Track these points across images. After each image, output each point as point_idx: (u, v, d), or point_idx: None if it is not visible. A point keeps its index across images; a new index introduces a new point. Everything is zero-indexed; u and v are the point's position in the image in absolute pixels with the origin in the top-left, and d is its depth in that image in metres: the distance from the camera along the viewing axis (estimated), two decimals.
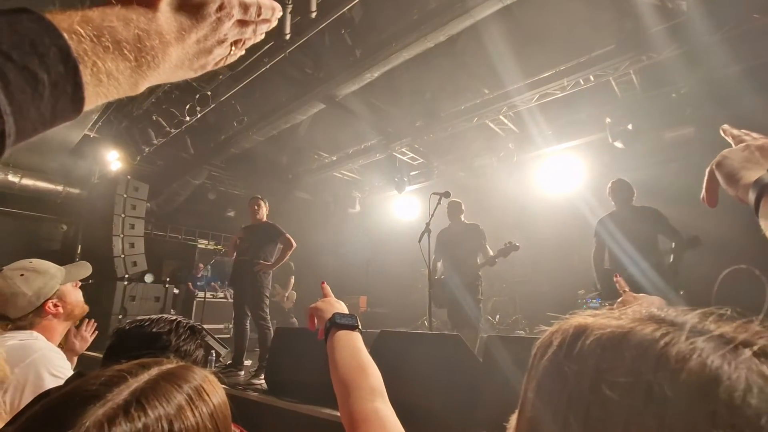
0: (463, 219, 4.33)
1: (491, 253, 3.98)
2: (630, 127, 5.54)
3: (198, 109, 5.63)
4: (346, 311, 0.91)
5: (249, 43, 0.49)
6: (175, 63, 0.40)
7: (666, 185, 5.18)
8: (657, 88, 5.42)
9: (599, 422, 0.26)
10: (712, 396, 0.23)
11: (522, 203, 7.12)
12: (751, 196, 0.49)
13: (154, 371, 0.49)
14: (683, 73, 4.81)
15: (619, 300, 0.95)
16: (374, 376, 0.73)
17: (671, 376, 0.24)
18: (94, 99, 0.34)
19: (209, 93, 5.52)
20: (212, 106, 5.71)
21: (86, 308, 1.53)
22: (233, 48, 0.46)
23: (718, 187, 0.58)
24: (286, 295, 7.63)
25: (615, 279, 1.19)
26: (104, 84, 0.34)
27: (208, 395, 0.50)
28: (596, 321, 0.30)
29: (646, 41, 4.44)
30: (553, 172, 6.79)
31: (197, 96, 5.50)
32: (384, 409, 0.66)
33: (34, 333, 1.33)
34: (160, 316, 1.01)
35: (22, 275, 1.33)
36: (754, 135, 0.60)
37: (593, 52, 4.89)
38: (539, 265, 6.83)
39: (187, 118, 5.75)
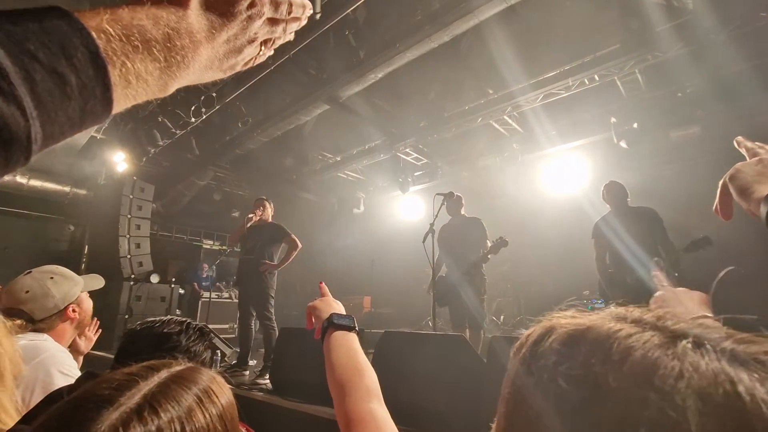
0: (463, 213, 4.25)
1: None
2: (635, 125, 5.50)
3: (203, 110, 5.67)
4: (344, 311, 0.91)
5: (279, 43, 0.47)
6: (205, 63, 0.39)
7: (672, 185, 5.15)
8: (663, 87, 5.38)
9: (557, 413, 0.27)
10: (647, 383, 0.24)
11: (526, 203, 7.10)
12: (763, 210, 0.49)
13: (164, 374, 0.50)
14: (689, 72, 4.78)
15: (656, 294, 0.93)
16: (370, 377, 0.74)
17: (616, 367, 0.26)
18: (122, 101, 0.33)
19: (214, 94, 5.56)
20: (217, 107, 5.74)
21: (92, 319, 1.59)
22: (263, 48, 0.45)
23: (731, 199, 0.58)
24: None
25: (654, 273, 1.15)
26: (133, 86, 0.33)
27: (216, 396, 0.51)
28: (561, 320, 0.32)
29: (652, 40, 4.41)
30: (558, 173, 6.77)
31: (202, 97, 5.54)
32: (379, 409, 0.67)
33: (44, 335, 1.36)
34: (170, 317, 1.03)
35: (51, 278, 1.39)
36: None
37: (598, 51, 4.87)
38: (544, 265, 6.81)
39: (193, 120, 5.79)
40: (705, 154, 5.45)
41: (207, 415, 0.48)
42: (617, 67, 4.87)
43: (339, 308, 0.93)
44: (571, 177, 6.62)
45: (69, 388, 0.88)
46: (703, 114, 5.27)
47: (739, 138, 0.65)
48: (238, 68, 0.44)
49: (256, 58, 0.45)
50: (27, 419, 0.78)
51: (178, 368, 0.53)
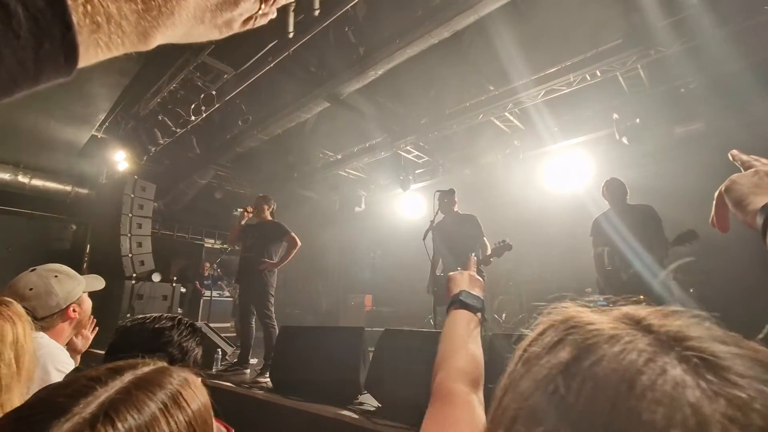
0: (456, 210, 4.16)
1: (489, 246, 3.84)
2: (638, 121, 5.46)
3: (203, 108, 5.67)
4: (480, 291, 0.89)
5: (281, 1, 0.41)
6: (194, 13, 0.32)
7: (676, 182, 5.10)
8: (665, 83, 5.33)
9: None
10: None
11: (529, 201, 7.07)
12: (759, 221, 0.49)
13: (127, 377, 0.46)
14: (692, 67, 4.73)
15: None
16: (468, 360, 0.72)
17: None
18: (93, 50, 0.27)
19: (214, 92, 5.55)
20: (217, 105, 5.74)
21: (90, 319, 1.59)
22: (263, 5, 0.39)
23: (728, 211, 0.58)
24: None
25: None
26: (104, 30, 0.27)
27: (185, 401, 0.47)
28: (581, 324, 0.31)
29: (654, 35, 4.37)
30: (560, 169, 6.73)
31: (202, 95, 5.53)
32: (464, 391, 0.65)
33: (39, 333, 1.35)
34: (161, 314, 1.02)
35: (56, 276, 1.39)
36: (764, 160, 0.60)
37: (600, 46, 4.82)
38: (546, 263, 6.78)
39: (193, 118, 5.79)
40: (709, 150, 5.40)
41: (173, 423, 0.44)
42: (619, 62, 4.82)
43: (475, 286, 0.90)
44: (574, 174, 6.58)
45: (57, 385, 0.87)
46: (707, 110, 5.22)
47: (734, 152, 0.64)
48: (235, 27, 0.38)
49: (255, 19, 0.39)
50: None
51: (144, 370, 0.49)
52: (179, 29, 0.32)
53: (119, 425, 0.40)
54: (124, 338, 0.94)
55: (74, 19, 0.24)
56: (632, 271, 3.20)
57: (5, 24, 0.22)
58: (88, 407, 0.41)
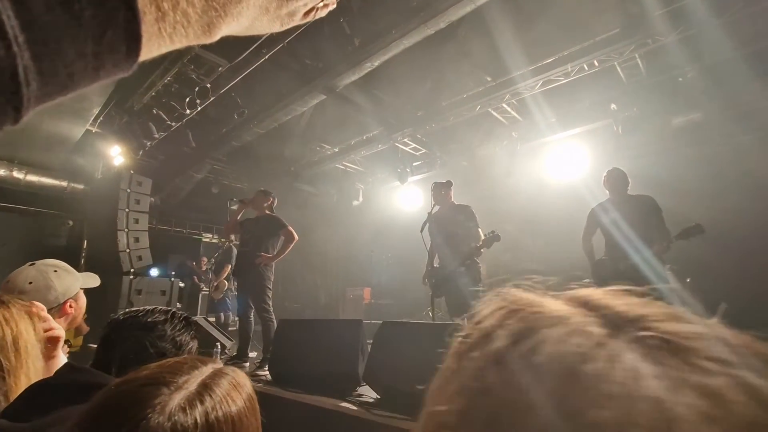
0: (452, 200, 4.12)
1: (482, 237, 3.80)
2: (635, 110, 5.45)
3: (198, 102, 5.61)
4: None
5: None
6: (261, 2, 0.30)
7: (674, 172, 5.10)
8: (663, 72, 5.31)
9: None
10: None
11: (527, 192, 7.06)
12: None
13: (209, 368, 0.57)
14: (690, 56, 4.71)
15: None
16: None
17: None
18: (156, 41, 0.24)
19: (209, 86, 5.50)
20: (212, 98, 5.69)
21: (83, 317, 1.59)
22: None
23: None
24: (216, 284, 6.89)
25: None
26: (169, 19, 0.23)
27: (241, 386, 0.58)
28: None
29: (652, 24, 4.34)
30: (558, 161, 6.72)
31: (197, 89, 5.48)
32: None
33: None
34: (155, 307, 1.01)
35: (55, 271, 1.39)
36: None
37: (597, 36, 4.79)
38: (544, 254, 6.79)
39: (188, 112, 5.73)
40: (707, 140, 5.40)
41: (252, 419, 0.56)
42: (617, 51, 4.79)
43: None
44: (572, 165, 6.57)
45: (53, 380, 0.86)
46: (705, 100, 5.21)
47: None
48: (297, 18, 0.36)
49: (317, 9, 0.38)
50: (8, 412, 0.76)
51: (217, 366, 0.59)
52: (244, 19, 0.30)
53: (215, 401, 0.51)
54: (116, 331, 0.93)
55: (138, 3, 0.21)
56: (630, 263, 3.21)
57: (67, 7, 0.18)
58: (191, 383, 0.52)
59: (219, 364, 0.60)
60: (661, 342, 0.20)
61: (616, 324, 0.21)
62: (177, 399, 0.49)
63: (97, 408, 0.49)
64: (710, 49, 4.60)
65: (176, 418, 0.47)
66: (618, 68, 5.29)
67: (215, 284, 6.89)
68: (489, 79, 5.80)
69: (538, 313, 0.24)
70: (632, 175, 3.68)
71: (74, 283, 1.43)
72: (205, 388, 0.52)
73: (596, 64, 5.02)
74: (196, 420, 0.48)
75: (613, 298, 0.24)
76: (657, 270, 3.07)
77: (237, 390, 0.56)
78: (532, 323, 0.23)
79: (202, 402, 0.50)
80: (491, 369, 0.22)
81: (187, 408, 0.49)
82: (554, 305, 0.25)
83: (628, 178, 3.60)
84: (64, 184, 7.61)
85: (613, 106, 5.67)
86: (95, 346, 0.98)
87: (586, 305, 0.24)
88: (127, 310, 0.99)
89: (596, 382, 0.19)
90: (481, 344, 0.24)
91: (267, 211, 4.34)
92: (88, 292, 1.55)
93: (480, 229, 3.91)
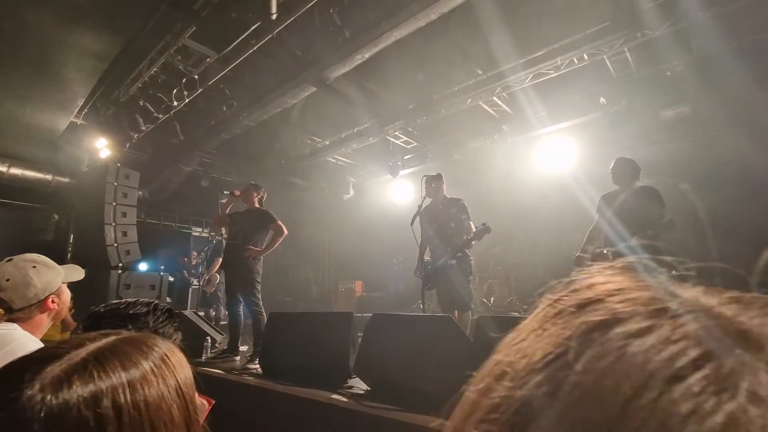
0: (444, 193, 4.10)
1: (474, 229, 3.77)
2: (624, 103, 5.49)
3: (186, 93, 5.52)
4: None
5: None
6: None
7: (662, 165, 5.15)
8: (652, 66, 5.35)
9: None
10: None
11: (517, 185, 7.10)
12: None
13: (112, 337, 0.49)
14: (679, 50, 4.74)
15: None
16: None
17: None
18: None
19: (196, 77, 5.40)
20: (200, 90, 5.60)
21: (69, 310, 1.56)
22: None
23: None
24: (207, 277, 6.79)
25: None
26: None
27: (174, 366, 0.48)
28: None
29: (641, 18, 4.36)
30: (548, 153, 6.76)
31: (184, 80, 5.39)
32: None
33: (13, 324, 1.32)
34: (137, 299, 0.99)
35: (34, 267, 1.36)
36: None
37: (587, 29, 4.80)
38: (534, 247, 6.86)
39: (175, 103, 5.64)
40: (695, 133, 5.46)
41: (162, 384, 0.45)
42: (607, 45, 4.81)
43: None
44: (561, 158, 6.61)
45: (55, 342, 0.85)
46: (694, 93, 5.26)
47: None
48: None
49: None
50: None
51: (132, 334, 0.51)
52: None
53: (111, 373, 0.42)
54: (96, 324, 0.91)
55: None
56: (616, 250, 3.21)
57: None
58: (78, 355, 0.44)
59: (131, 334, 0.51)
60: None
61: (747, 344, 0.18)
62: (51, 373, 0.41)
63: None
64: (699, 42, 4.64)
65: (60, 393, 0.40)
66: (607, 62, 5.31)
67: (207, 277, 6.83)
68: (480, 71, 5.79)
69: (654, 303, 0.21)
70: None
71: (55, 277, 1.40)
72: (96, 357, 0.43)
73: (586, 57, 5.04)
74: (81, 397, 0.40)
75: (737, 310, 0.21)
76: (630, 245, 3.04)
77: (157, 372, 0.46)
78: (632, 308, 0.21)
79: (87, 375, 0.42)
80: (581, 341, 0.20)
81: (65, 384, 0.41)
82: (684, 294, 0.22)
83: (632, 167, 3.53)
84: (49, 177, 7.46)
85: (602, 99, 5.71)
86: None
87: (708, 313, 0.20)
88: (108, 302, 0.97)
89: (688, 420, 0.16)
90: (579, 313, 0.22)
91: (257, 205, 4.31)
92: (75, 286, 1.52)
93: (471, 222, 3.91)
